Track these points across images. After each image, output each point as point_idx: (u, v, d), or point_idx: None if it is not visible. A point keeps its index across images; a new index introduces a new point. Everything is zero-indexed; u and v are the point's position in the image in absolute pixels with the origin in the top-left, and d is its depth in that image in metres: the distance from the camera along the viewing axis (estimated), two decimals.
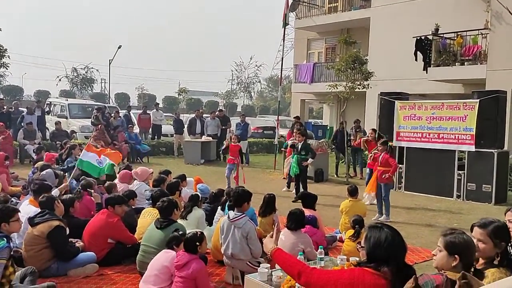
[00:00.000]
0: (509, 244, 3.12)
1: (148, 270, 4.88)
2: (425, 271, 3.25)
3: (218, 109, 22.27)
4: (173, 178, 8.02)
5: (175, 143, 18.48)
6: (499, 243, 2.97)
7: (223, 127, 17.62)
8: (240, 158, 10.98)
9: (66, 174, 9.19)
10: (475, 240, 2.95)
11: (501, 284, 2.24)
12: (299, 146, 10.44)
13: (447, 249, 2.74)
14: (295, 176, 10.62)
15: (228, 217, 5.43)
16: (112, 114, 17.80)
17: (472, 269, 2.75)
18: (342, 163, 15.00)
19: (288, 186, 11.77)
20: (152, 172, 8.97)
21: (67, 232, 5.70)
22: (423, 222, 8.95)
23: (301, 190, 10.22)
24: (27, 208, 6.13)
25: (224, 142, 14.19)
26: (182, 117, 19.47)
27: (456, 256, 2.70)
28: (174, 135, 18.71)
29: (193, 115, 18.90)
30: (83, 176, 8.32)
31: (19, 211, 4.94)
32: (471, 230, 3.13)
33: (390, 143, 9.51)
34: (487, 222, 3.06)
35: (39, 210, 5.90)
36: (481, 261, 3.01)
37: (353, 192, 7.74)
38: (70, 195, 6.85)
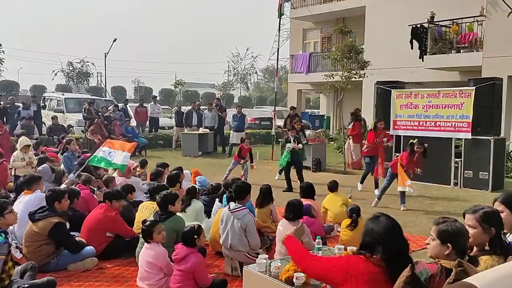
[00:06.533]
0: (503, 232, 3.12)
1: (139, 267, 4.95)
2: (423, 259, 3.27)
3: (216, 97, 22.20)
4: (171, 171, 8.04)
5: (174, 135, 18.42)
6: (488, 228, 2.95)
7: (220, 113, 17.64)
8: (250, 159, 11.14)
9: (66, 169, 9.22)
10: (466, 227, 2.96)
11: (498, 270, 2.26)
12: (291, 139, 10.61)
13: (440, 238, 2.76)
14: (288, 166, 10.63)
15: (229, 207, 5.48)
16: (110, 108, 17.78)
17: (467, 257, 2.76)
18: (339, 152, 15.03)
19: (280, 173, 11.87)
20: (137, 165, 9.10)
21: (68, 226, 5.74)
22: (421, 210, 8.99)
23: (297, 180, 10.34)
24: (23, 198, 6.27)
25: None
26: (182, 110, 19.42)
27: (448, 244, 2.71)
28: (175, 127, 18.67)
29: (189, 107, 18.86)
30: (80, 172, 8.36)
31: (11, 203, 5.00)
32: (464, 217, 3.14)
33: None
34: (477, 208, 3.06)
35: (32, 196, 6.11)
36: (474, 249, 3.00)
37: (332, 188, 7.69)
38: (74, 187, 6.91)
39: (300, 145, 10.55)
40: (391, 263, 2.74)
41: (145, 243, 4.94)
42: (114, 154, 8.11)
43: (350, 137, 13.69)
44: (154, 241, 4.86)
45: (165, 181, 7.59)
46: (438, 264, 2.57)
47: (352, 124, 13.64)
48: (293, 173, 10.62)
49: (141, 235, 5.18)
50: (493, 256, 2.89)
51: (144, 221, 5.05)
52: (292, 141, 10.48)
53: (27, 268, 4.87)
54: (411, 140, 9.07)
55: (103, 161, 8.19)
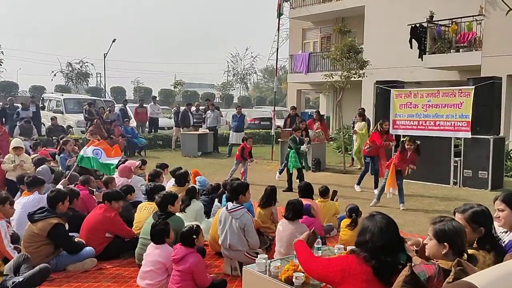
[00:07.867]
0: (493, 230, 3.11)
1: (143, 266, 4.92)
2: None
3: (206, 99, 22.28)
4: (155, 168, 8.13)
5: (174, 136, 18.41)
6: (477, 228, 2.98)
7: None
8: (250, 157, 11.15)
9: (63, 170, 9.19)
10: None
11: (498, 269, 2.24)
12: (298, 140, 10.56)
13: (437, 237, 2.75)
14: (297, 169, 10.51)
15: (226, 207, 5.47)
16: (108, 108, 17.78)
17: (465, 255, 2.75)
18: (339, 152, 14.95)
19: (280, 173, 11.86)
20: (139, 164, 9.14)
21: (67, 227, 5.74)
22: (420, 209, 8.99)
23: (296, 180, 10.30)
24: (21, 199, 6.33)
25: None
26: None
27: (445, 244, 2.70)
28: (174, 127, 18.66)
29: (183, 108, 18.80)
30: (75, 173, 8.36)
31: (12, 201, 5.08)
32: (454, 215, 3.14)
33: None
34: (467, 207, 3.08)
35: (31, 197, 6.19)
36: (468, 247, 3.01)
37: (323, 193, 7.52)
38: (73, 187, 6.91)
39: (306, 146, 10.63)
40: (376, 262, 2.78)
41: (153, 243, 4.92)
42: (101, 154, 7.90)
43: None
44: (170, 240, 4.89)
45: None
46: (436, 265, 2.56)
47: (318, 124, 14.09)
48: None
49: (149, 237, 5.08)
50: (479, 251, 2.89)
51: (155, 224, 5.02)
52: (305, 143, 10.51)
53: (20, 261, 4.88)
54: (402, 139, 9.08)
55: (93, 161, 7.84)
